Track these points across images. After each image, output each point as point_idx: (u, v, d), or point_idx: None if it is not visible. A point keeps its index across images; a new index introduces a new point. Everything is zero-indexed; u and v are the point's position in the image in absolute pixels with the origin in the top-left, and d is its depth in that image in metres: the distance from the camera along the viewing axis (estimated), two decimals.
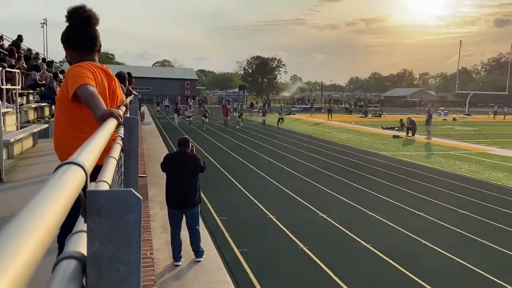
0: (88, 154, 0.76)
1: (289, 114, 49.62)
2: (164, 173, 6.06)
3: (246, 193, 10.07)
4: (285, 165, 14.01)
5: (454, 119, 44.22)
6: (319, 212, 8.48)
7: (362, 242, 6.86)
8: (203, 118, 26.81)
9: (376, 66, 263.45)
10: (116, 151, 1.71)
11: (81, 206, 0.65)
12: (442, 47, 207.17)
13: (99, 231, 0.62)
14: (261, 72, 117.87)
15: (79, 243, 0.67)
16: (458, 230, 7.62)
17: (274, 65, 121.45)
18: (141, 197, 0.63)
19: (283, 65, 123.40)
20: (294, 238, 6.96)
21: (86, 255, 0.63)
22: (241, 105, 35.76)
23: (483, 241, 7.08)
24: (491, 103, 78.27)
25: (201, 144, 17.77)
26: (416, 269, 5.85)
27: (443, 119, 43.31)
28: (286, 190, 10.42)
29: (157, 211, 7.90)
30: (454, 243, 7.03)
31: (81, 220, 0.72)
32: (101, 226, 0.62)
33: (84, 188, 0.64)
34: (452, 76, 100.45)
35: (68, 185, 0.54)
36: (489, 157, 17.15)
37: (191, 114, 27.79)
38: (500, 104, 59.30)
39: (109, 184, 1.08)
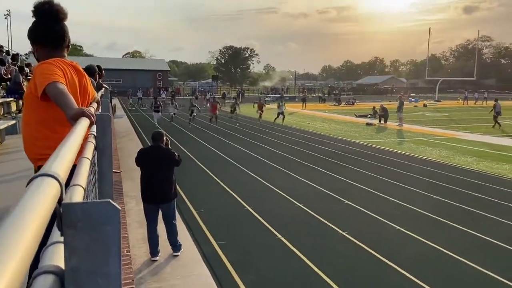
0: (62, 162, 0.73)
1: (264, 104, 49.62)
2: (139, 168, 5.99)
3: (222, 184, 10.06)
4: (260, 155, 14.05)
5: (425, 105, 45.25)
6: (295, 202, 8.56)
7: (339, 230, 6.98)
8: (190, 116, 23.13)
9: (348, 54, 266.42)
10: (89, 151, 1.67)
11: (56, 217, 0.63)
12: (412, 34, 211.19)
13: (76, 245, 0.61)
14: (234, 62, 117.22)
15: (56, 256, 0.65)
16: (429, 214, 7.84)
17: (247, 55, 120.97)
18: (119, 208, 0.61)
19: (256, 54, 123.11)
20: (272, 229, 7.01)
21: (64, 268, 0.61)
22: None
23: (452, 224, 7.31)
24: (460, 89, 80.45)
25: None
26: (390, 253, 6.00)
27: (414, 106, 44.26)
28: (262, 180, 10.46)
29: (132, 206, 7.81)
30: (425, 226, 7.23)
31: (55, 230, 0.70)
32: (79, 240, 0.61)
33: (60, 200, 0.63)
34: (422, 63, 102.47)
35: (43, 201, 0.52)
36: (459, 142, 17.67)
37: (175, 111, 24.26)
38: (470, 89, 60.96)
39: (83, 188, 1.06)
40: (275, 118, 24.45)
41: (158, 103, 23.40)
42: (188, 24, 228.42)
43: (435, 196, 9.14)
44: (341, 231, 6.90)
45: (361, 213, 7.93)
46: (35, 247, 0.42)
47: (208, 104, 27.13)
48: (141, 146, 14.12)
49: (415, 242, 6.53)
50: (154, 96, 25.29)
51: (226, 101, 45.77)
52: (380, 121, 25.94)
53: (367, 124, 24.96)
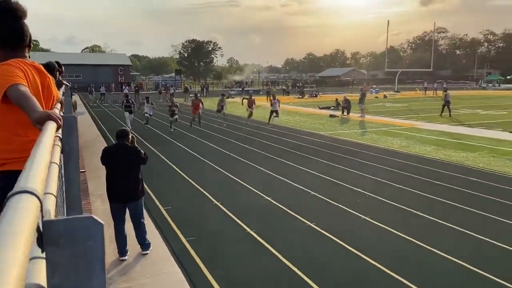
0: (37, 175, 0.71)
1: (227, 97, 49.49)
2: (104, 166, 5.85)
3: (190, 180, 10.00)
4: (227, 149, 14.03)
5: (385, 96, 46.46)
6: (263, 195, 8.62)
7: (307, 221, 7.09)
8: (171, 118, 18.36)
9: (311, 47, 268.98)
10: (57, 155, 1.62)
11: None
12: (371, 27, 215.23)
13: (59, 262, 0.59)
14: (197, 56, 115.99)
15: (36, 273, 0.63)
16: (393, 203, 8.10)
17: (210, 48, 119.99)
18: (102, 222, 0.61)
19: (219, 48, 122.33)
20: (241, 223, 7.04)
21: (45, 286, 0.60)
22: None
23: (416, 212, 7.58)
24: (418, 79, 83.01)
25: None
26: (358, 243, 6.16)
27: (375, 97, 45.35)
28: (229, 175, 10.46)
29: (98, 206, 7.64)
30: (390, 216, 7.46)
31: (35, 245, 0.68)
32: (61, 256, 0.60)
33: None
34: (381, 54, 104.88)
35: (24, 222, 0.51)
36: (418, 132, 18.27)
37: (151, 112, 19.73)
38: (429, 80, 63.03)
39: (55, 196, 1.03)
40: (269, 118, 20.74)
41: (131, 101, 19.20)
42: (148, 17, 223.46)
43: (399, 186, 9.43)
44: (309, 223, 7.01)
45: (328, 204, 8.09)
46: (24, 274, 0.42)
47: (183, 101, 23.17)
48: (105, 144, 13.79)
49: (382, 231, 6.73)
50: (126, 95, 19.76)
51: (190, 96, 45.35)
52: (343, 112, 26.43)
53: (331, 116, 25.39)
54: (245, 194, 8.84)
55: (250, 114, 21.59)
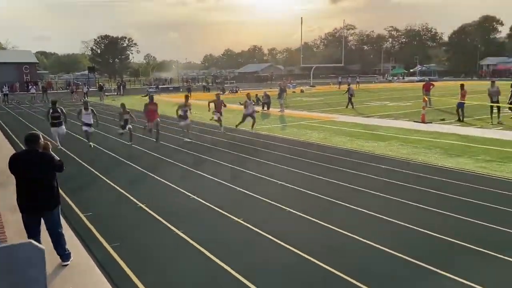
0: None
1: (146, 95, 48.04)
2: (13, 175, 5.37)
3: (111, 183, 9.57)
4: (146, 148, 13.63)
5: (302, 91, 48.17)
6: (190, 195, 8.51)
7: (235, 218, 7.13)
8: (122, 130, 14.57)
9: (229, 43, 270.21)
10: None
11: None
12: (287, 23, 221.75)
13: None
14: (111, 52, 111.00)
15: None
16: (314, 193, 8.44)
17: (125, 45, 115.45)
18: (43, 248, 0.56)
19: (135, 44, 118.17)
20: (169, 225, 6.89)
21: None
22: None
23: (336, 201, 7.96)
24: (331, 74, 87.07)
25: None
26: (283, 236, 6.32)
27: (293, 92, 46.79)
28: (152, 175, 10.19)
29: (9, 217, 7.03)
30: (312, 206, 7.76)
31: None
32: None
33: None
34: (296, 50, 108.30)
35: None
36: (334, 124, 19.21)
37: (92, 120, 14.16)
38: (344, 75, 66.37)
39: None
40: (252, 124, 17.63)
41: (59, 110, 13.74)
42: (53, 10, 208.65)
43: (317, 176, 9.84)
44: (237, 219, 7.06)
45: (253, 199, 8.21)
46: None
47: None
48: (12, 150, 12.73)
49: (306, 222, 6.98)
50: (53, 100, 14.40)
51: (105, 94, 43.38)
52: (263, 108, 26.94)
53: None
54: (172, 195, 8.67)
55: (219, 120, 17.16)
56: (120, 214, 7.57)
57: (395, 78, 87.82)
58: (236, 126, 17.91)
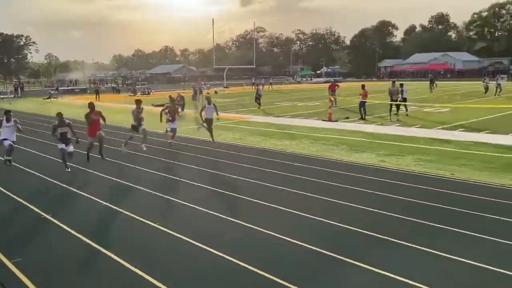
0: None
1: (48, 98, 44.88)
2: None
3: (9, 193, 8.77)
4: (48, 154, 12.73)
5: (216, 92, 48.35)
6: (99, 200, 8.11)
7: (151, 223, 6.94)
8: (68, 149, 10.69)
9: (139, 43, 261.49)
10: None
11: None
12: (199, 24, 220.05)
13: None
14: (6, 52, 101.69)
15: None
16: (227, 192, 8.53)
17: (22, 43, 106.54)
18: None
19: (34, 43, 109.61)
20: (77, 234, 6.50)
21: None
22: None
23: (240, 196, 8.12)
24: (244, 75, 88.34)
25: None
26: (180, 227, 6.30)
27: (207, 93, 46.69)
28: (58, 182, 9.53)
29: None
30: (220, 202, 7.84)
31: None
32: None
33: None
34: (209, 52, 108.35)
35: None
36: (249, 124, 19.55)
37: (12, 140, 11.11)
38: (258, 76, 67.67)
39: None
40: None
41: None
42: None
43: (234, 176, 9.95)
44: (149, 222, 6.88)
45: (166, 200, 8.07)
46: None
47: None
48: None
49: (234, 225, 7.01)
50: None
51: (1, 97, 39.66)
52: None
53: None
54: (76, 202, 8.18)
55: (170, 132, 14.44)
56: (21, 226, 6.97)
57: (304, 79, 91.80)
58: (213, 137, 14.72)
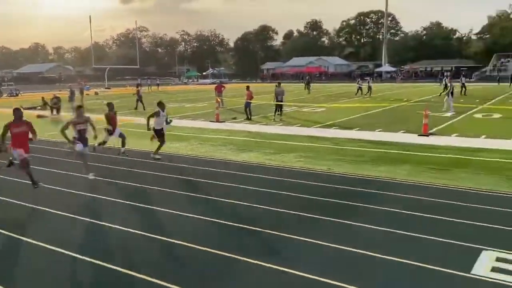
0: None
1: None
2: None
3: None
4: None
5: (96, 93, 45.68)
6: None
7: (25, 238, 6.38)
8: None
9: (3, 40, 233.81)
10: None
11: None
12: (75, 21, 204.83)
13: None
14: None
15: None
16: (108, 198, 8.25)
17: None
18: None
19: None
20: None
21: None
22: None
23: (121, 201, 7.94)
24: (127, 76, 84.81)
25: None
26: (79, 247, 6.00)
27: (86, 94, 43.88)
28: None
29: None
30: (88, 207, 7.58)
31: None
32: None
33: None
34: (87, 50, 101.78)
35: None
36: (134, 127, 18.88)
37: None
38: (143, 77, 65.43)
39: None
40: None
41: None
42: None
43: (111, 180, 9.60)
44: (25, 238, 6.33)
45: (49, 214, 7.50)
46: None
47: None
48: None
49: (104, 230, 6.75)
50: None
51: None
52: (52, 112, 24.56)
53: (39, 116, 23.17)
54: None
55: (102, 144, 12.33)
56: None
57: (190, 80, 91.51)
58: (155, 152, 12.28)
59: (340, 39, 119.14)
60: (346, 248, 5.82)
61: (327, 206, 7.70)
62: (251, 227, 6.66)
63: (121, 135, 12.57)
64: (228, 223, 6.87)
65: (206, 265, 5.43)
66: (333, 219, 6.96)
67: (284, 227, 6.60)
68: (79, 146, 9.50)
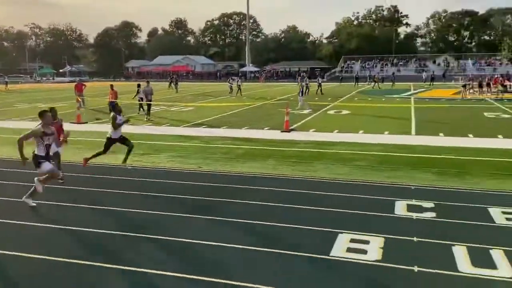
0: None
1: None
2: None
3: None
4: None
5: None
6: None
7: None
8: None
9: None
10: None
11: None
12: None
13: None
14: None
15: None
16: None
17: None
18: None
19: None
20: None
21: None
22: None
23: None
24: None
25: None
26: None
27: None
28: None
29: None
30: None
31: None
32: None
33: None
34: None
35: None
36: (2, 132, 16.60)
37: None
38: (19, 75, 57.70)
39: None
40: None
41: None
42: None
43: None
44: None
45: None
46: None
47: None
48: None
49: None
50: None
51: None
52: None
53: None
54: None
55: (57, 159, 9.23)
56: None
57: (44, 78, 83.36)
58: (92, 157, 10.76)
59: (206, 39, 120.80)
60: (210, 243, 5.99)
61: (198, 204, 7.79)
62: (119, 232, 6.42)
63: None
64: (95, 230, 6.51)
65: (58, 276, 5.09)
66: (203, 217, 7.08)
67: (159, 228, 6.51)
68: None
